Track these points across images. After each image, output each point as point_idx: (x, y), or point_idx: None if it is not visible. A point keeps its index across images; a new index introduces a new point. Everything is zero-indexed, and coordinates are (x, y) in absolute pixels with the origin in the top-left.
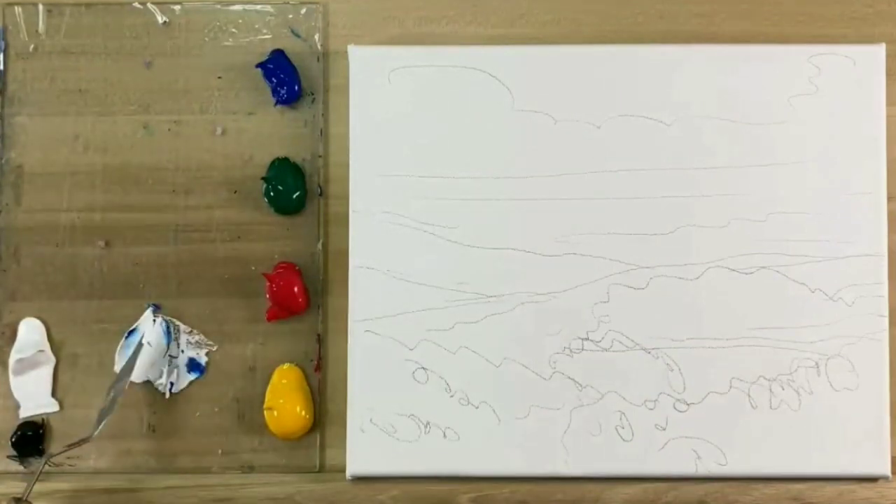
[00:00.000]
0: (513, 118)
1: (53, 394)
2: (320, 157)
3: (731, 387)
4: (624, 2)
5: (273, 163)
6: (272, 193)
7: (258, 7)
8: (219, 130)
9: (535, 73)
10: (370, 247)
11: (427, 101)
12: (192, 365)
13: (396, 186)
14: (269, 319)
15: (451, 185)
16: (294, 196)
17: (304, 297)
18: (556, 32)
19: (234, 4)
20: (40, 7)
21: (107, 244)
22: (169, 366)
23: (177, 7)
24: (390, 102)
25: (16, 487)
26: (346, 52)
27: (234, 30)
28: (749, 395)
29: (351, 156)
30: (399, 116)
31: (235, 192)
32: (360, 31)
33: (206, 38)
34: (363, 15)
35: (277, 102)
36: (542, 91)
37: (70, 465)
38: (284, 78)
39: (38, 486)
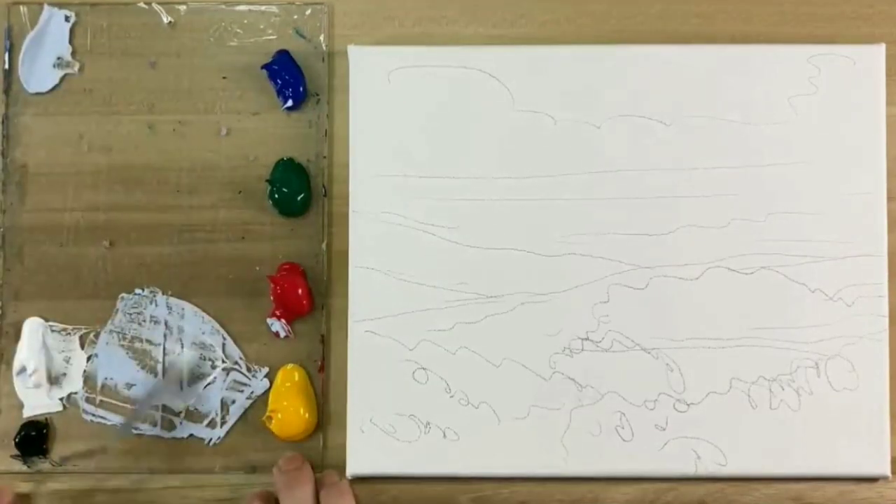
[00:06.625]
0: (513, 118)
1: None
2: (325, 157)
3: (731, 387)
4: (624, 2)
5: (277, 164)
6: (276, 196)
7: (263, 8)
8: (223, 131)
9: (535, 73)
10: (370, 247)
11: (427, 101)
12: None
13: (396, 186)
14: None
15: (451, 185)
16: (298, 198)
17: (308, 300)
18: (556, 32)
19: (238, 5)
20: (45, 7)
21: (111, 244)
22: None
23: (182, 7)
24: (390, 102)
25: (20, 487)
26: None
27: (238, 30)
28: (749, 395)
29: (350, 156)
30: (399, 116)
31: (240, 192)
32: (362, 32)
33: (211, 39)
34: (363, 15)
35: (283, 104)
36: (542, 91)
37: (72, 465)
38: (289, 79)
39: (38, 487)
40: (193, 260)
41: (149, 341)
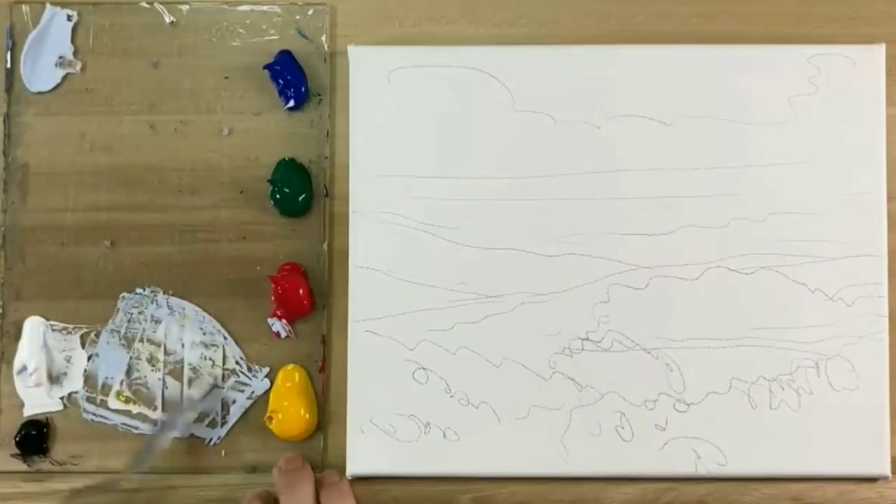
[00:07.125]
0: (513, 118)
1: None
2: (326, 157)
3: (731, 387)
4: (624, 2)
5: (279, 165)
6: (278, 196)
7: (265, 8)
8: (225, 131)
9: (535, 73)
10: (370, 247)
11: (427, 101)
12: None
13: (396, 186)
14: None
15: (451, 185)
16: (300, 199)
17: (309, 300)
18: (556, 32)
19: (241, 5)
20: (47, 6)
21: (112, 243)
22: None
23: (184, 7)
24: (390, 102)
25: (20, 487)
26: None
27: (241, 30)
28: (749, 395)
29: (350, 156)
30: (399, 116)
31: (241, 192)
32: (363, 32)
33: (213, 39)
34: (363, 15)
35: (285, 104)
36: (542, 91)
37: (72, 465)
38: (291, 79)
39: (38, 487)
40: (194, 260)
41: (150, 341)
